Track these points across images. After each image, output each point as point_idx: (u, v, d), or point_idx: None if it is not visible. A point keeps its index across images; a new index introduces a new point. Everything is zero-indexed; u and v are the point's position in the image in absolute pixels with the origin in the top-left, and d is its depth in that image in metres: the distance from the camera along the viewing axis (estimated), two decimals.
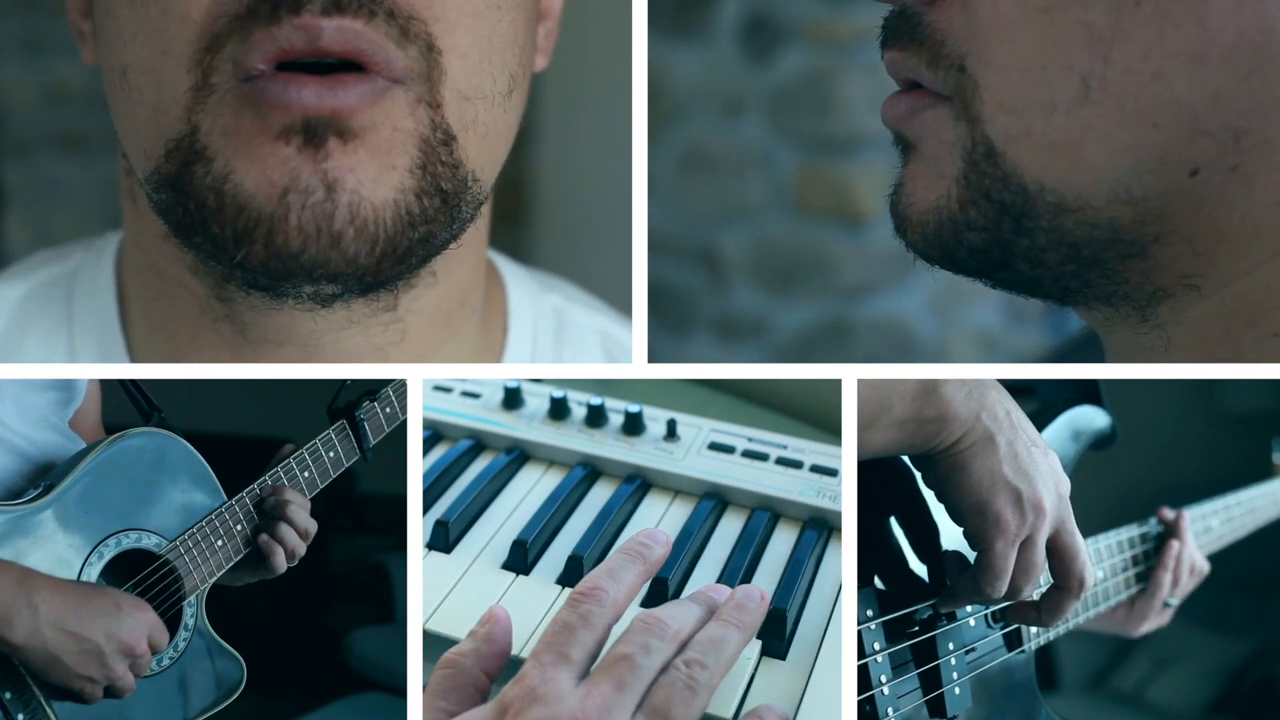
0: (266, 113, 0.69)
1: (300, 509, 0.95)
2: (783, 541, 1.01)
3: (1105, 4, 0.55)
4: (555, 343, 0.93)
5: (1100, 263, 0.59)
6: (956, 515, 0.77)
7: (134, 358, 0.84)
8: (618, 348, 0.95)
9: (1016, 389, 0.78)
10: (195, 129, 0.70)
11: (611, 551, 0.70)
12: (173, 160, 0.71)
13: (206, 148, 0.70)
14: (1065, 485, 0.78)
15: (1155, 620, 1.14)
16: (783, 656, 0.84)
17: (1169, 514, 1.16)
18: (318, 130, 0.69)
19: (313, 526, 0.96)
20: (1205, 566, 1.18)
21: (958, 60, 0.59)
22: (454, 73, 0.72)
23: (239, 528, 0.93)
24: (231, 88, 0.70)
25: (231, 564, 0.93)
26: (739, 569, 0.94)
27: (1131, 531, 1.12)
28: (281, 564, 0.95)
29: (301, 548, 0.95)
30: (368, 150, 0.70)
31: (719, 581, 0.93)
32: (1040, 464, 0.76)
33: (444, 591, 0.92)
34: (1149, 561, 1.13)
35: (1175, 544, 1.13)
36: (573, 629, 0.60)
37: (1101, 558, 1.05)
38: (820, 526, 1.02)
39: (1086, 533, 0.82)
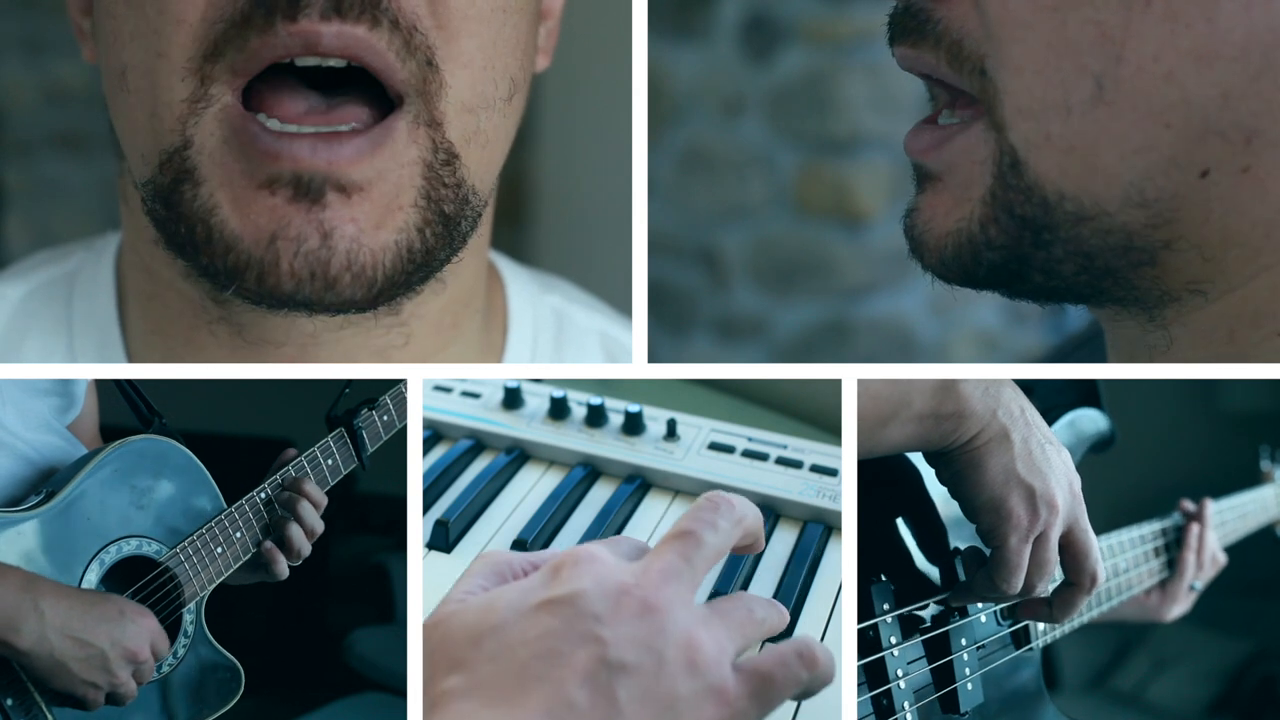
0: (254, 157, 0.68)
1: (312, 509, 0.94)
2: (783, 541, 1.01)
3: (1116, 3, 0.55)
4: (555, 343, 0.92)
5: (1112, 271, 0.59)
6: (970, 512, 0.77)
7: (132, 359, 0.84)
8: (618, 348, 0.95)
9: None
10: (188, 143, 0.69)
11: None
12: (166, 172, 0.70)
13: (196, 169, 0.69)
14: (1078, 482, 0.79)
15: (1184, 603, 1.21)
16: None
17: (1190, 505, 1.23)
18: (312, 184, 0.67)
19: (320, 527, 0.95)
20: (1223, 558, 1.25)
21: (978, 62, 0.59)
22: (457, 84, 0.71)
23: (239, 535, 0.93)
24: (225, 107, 0.68)
25: (232, 570, 0.93)
26: (739, 569, 0.94)
27: (1154, 525, 1.18)
28: (283, 571, 0.94)
29: (307, 548, 0.95)
30: (372, 202, 0.68)
31: (718, 581, 0.93)
32: (1054, 461, 0.76)
33: (444, 591, 0.91)
34: (1171, 552, 1.20)
35: (1196, 527, 1.20)
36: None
37: (1125, 549, 1.07)
38: (820, 526, 1.01)
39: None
